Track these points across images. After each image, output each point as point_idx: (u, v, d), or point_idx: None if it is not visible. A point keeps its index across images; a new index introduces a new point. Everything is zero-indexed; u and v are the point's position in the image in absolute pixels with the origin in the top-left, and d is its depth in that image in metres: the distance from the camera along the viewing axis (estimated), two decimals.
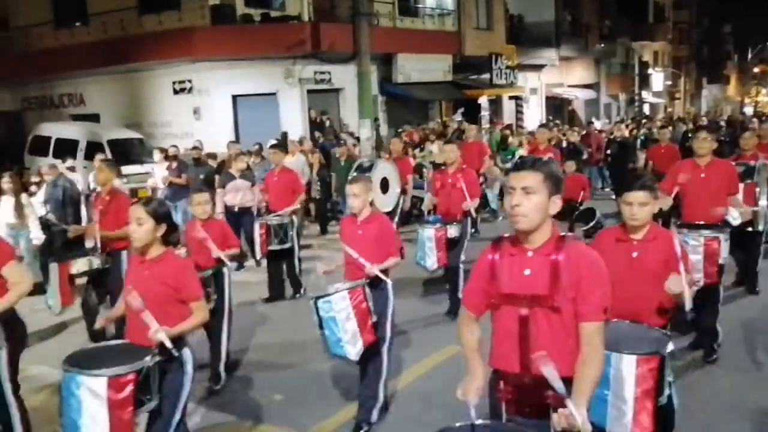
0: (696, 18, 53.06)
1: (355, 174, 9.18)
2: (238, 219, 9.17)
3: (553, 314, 2.54)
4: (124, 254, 6.17)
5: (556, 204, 2.56)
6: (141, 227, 3.45)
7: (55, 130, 16.49)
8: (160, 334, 3.28)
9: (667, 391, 3.27)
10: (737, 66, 64.87)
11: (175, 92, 17.56)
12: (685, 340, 5.68)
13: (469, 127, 12.55)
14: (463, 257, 7.01)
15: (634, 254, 3.68)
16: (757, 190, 6.48)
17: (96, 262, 6.16)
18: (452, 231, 6.87)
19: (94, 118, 18.87)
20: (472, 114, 22.25)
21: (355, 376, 5.04)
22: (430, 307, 7.45)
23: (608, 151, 14.28)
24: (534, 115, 28.28)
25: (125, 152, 14.63)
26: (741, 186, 6.12)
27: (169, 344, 3.32)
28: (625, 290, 3.41)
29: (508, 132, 18.96)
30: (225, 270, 5.53)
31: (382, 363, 4.71)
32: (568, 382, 2.43)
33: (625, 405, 3.10)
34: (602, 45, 34.17)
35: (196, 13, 16.64)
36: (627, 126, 20.59)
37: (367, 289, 4.52)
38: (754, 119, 22.58)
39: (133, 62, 17.24)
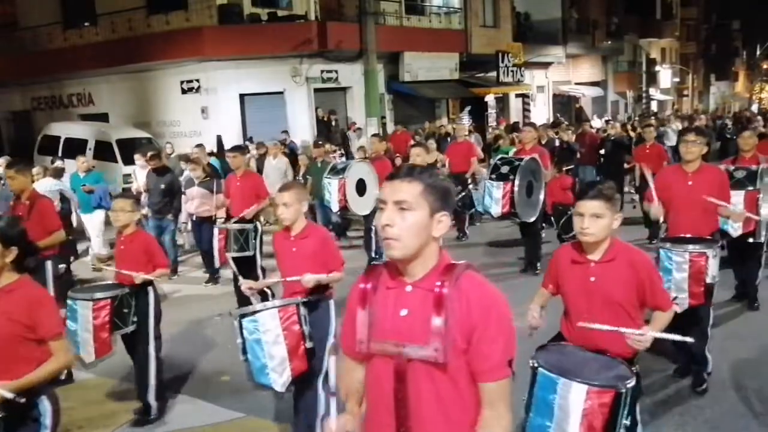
0: (704, 14, 52.78)
1: (327, 176, 8.74)
2: (199, 229, 8.74)
3: (437, 371, 1.91)
4: (48, 264, 5.58)
5: (443, 223, 1.95)
6: None
7: (64, 129, 16.62)
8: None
9: None
10: (745, 62, 64.52)
11: (183, 91, 17.66)
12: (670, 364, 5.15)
13: (458, 127, 12.13)
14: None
15: (592, 279, 3.11)
16: (760, 197, 5.87)
17: None
18: None
19: (103, 117, 19.01)
20: (479, 112, 22.30)
21: None
22: None
23: (602, 151, 13.63)
24: (541, 113, 28.22)
25: (134, 152, 14.71)
26: (741, 193, 5.62)
27: (9, 396, 2.69)
28: (584, 320, 3.06)
29: (499, 131, 18.67)
30: (150, 290, 4.79)
31: (316, 401, 4.03)
32: None
33: None
34: (609, 42, 34.05)
35: (204, 12, 16.73)
36: (624, 124, 20.11)
37: (303, 309, 3.91)
38: (759, 117, 21.88)
39: (142, 62, 17.34)
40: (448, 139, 15.57)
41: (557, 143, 13.95)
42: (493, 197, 7.62)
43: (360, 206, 8.65)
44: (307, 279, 3.93)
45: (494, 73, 23.40)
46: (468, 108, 21.24)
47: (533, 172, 7.84)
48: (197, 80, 17.34)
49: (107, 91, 19.29)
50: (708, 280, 4.59)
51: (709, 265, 4.55)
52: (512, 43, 25.11)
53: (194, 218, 8.92)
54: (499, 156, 8.59)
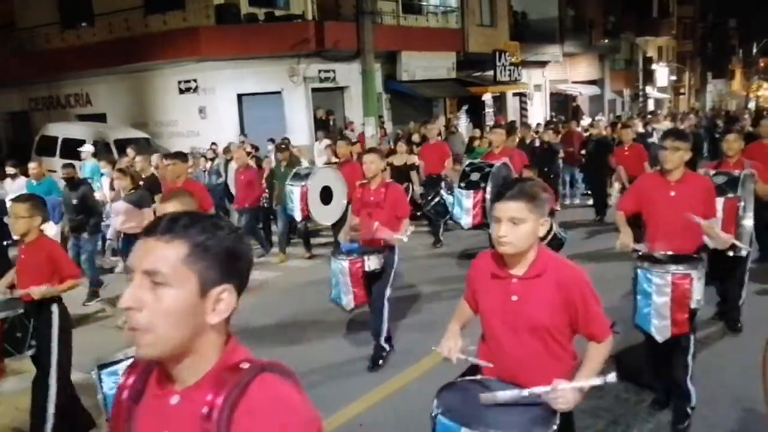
0: (700, 13, 52.87)
1: (289, 182, 8.18)
2: (127, 248, 7.61)
3: None
4: None
5: (224, 302, 1.34)
6: None
7: (61, 130, 16.61)
8: None
9: None
10: (742, 61, 64.63)
11: (181, 91, 17.66)
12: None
13: (430, 128, 11.51)
14: (389, 292, 5.63)
15: (514, 298, 2.57)
16: (740, 205, 5.29)
17: None
18: (371, 262, 5.41)
19: (101, 117, 19.00)
20: (477, 111, 22.34)
21: (355, 375, 5.08)
22: (356, 350, 6.05)
23: (583, 151, 13.15)
24: (538, 111, 28.27)
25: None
26: (720, 201, 4.96)
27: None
28: (503, 350, 2.61)
29: (476, 132, 17.98)
30: (54, 308, 4.20)
31: None
32: None
33: None
34: (606, 41, 34.11)
35: (201, 12, 16.73)
36: (614, 123, 19.45)
37: None
38: (746, 116, 20.62)
39: (139, 62, 17.34)
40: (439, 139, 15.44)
41: (537, 143, 13.55)
42: (464, 207, 7.10)
43: (324, 215, 8.13)
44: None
45: (491, 72, 23.44)
46: (465, 107, 21.27)
47: (505, 179, 7.20)
48: (195, 80, 17.34)
49: (105, 91, 19.28)
50: (692, 305, 4.04)
51: (694, 289, 4.00)
52: (509, 42, 25.15)
53: (122, 235, 7.85)
54: (468, 162, 7.95)
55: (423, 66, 20.75)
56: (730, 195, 5.25)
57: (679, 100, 47.25)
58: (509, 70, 24.06)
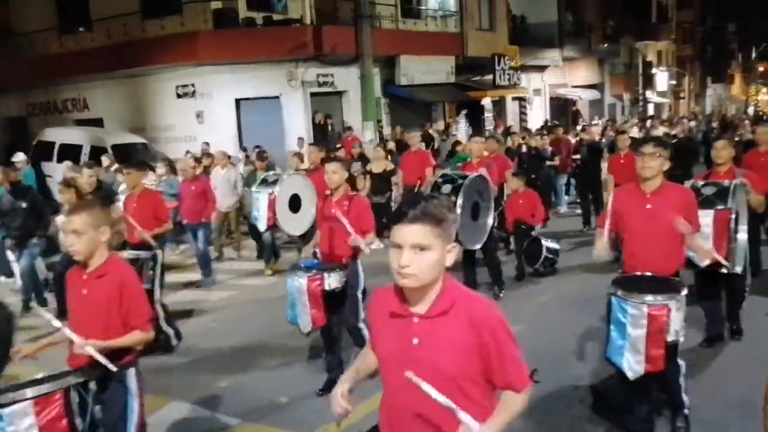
0: (699, 17, 52.94)
1: (256, 189, 7.81)
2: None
3: None
4: None
5: None
6: None
7: (59, 135, 16.56)
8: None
9: None
10: (741, 65, 64.71)
11: (179, 96, 17.61)
12: None
13: (411, 135, 10.93)
14: (363, 314, 5.18)
15: (415, 341, 2.15)
16: (732, 217, 4.86)
17: None
18: (331, 280, 4.95)
19: (98, 122, 18.96)
20: (476, 115, 22.28)
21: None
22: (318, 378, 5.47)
23: (575, 157, 12.39)
24: (538, 116, 28.24)
25: (129, 157, 14.66)
26: (710, 213, 4.72)
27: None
28: (404, 408, 2.20)
29: (454, 136, 17.71)
30: None
31: None
32: None
33: None
34: (606, 45, 34.12)
35: (199, 17, 16.69)
36: (605, 128, 18.23)
37: (76, 394, 2.97)
38: (746, 122, 19.55)
39: (137, 67, 17.28)
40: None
41: (524, 149, 12.83)
42: None
43: (293, 225, 7.56)
44: (86, 345, 3.08)
45: (491, 77, 23.41)
46: (465, 111, 21.22)
47: (480, 192, 6.80)
48: (192, 85, 17.29)
49: (102, 96, 19.24)
50: (670, 339, 3.70)
51: (672, 320, 3.67)
52: (508, 46, 25.13)
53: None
54: (442, 172, 7.36)
55: (422, 70, 20.70)
56: (720, 207, 4.86)
57: (679, 104, 47.26)
58: (508, 74, 24.03)
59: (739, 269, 5.12)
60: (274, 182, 7.72)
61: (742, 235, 5.18)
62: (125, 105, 18.65)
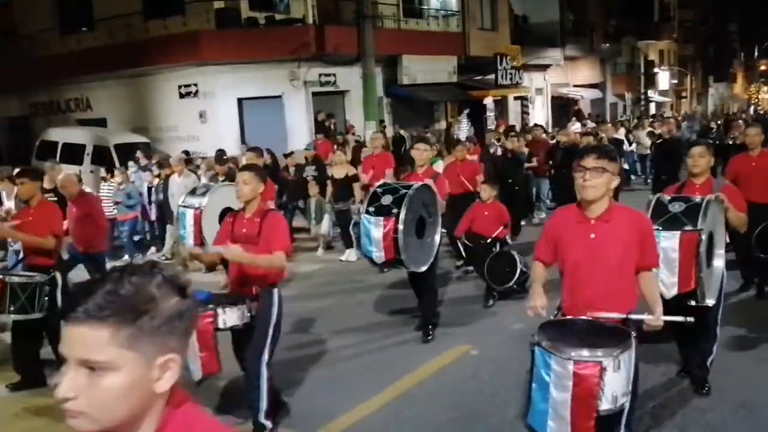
0: (701, 16, 52.90)
1: (182, 203, 6.85)
2: None
3: None
4: None
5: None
6: None
7: (62, 135, 16.62)
8: None
9: None
10: (743, 64, 64.65)
11: (181, 96, 17.63)
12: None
13: (373, 137, 10.15)
14: (267, 356, 4.36)
15: None
16: (703, 240, 4.04)
17: None
18: (227, 317, 4.15)
19: (101, 122, 18.99)
20: (478, 115, 22.30)
21: (365, 374, 4.99)
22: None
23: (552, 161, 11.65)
24: (539, 115, 28.26)
25: (132, 157, 14.71)
26: (676, 235, 4.03)
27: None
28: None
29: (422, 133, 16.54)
30: None
31: None
32: None
33: None
34: (607, 44, 34.13)
35: (201, 17, 16.71)
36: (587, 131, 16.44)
37: None
38: (740, 122, 18.01)
39: (139, 67, 17.31)
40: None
41: (499, 152, 11.73)
42: (372, 238, 5.66)
43: None
44: None
45: (492, 76, 23.43)
46: (467, 111, 21.23)
47: (426, 204, 5.95)
48: (195, 85, 17.31)
49: (105, 96, 19.27)
50: (603, 407, 2.88)
51: (607, 383, 2.85)
52: (510, 45, 25.14)
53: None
54: (381, 182, 6.44)
55: (424, 70, 20.71)
56: (688, 228, 4.05)
57: (680, 103, 47.22)
58: (510, 73, 24.04)
59: (710, 302, 4.26)
60: (204, 194, 6.75)
61: (719, 262, 4.40)
62: (128, 105, 18.68)
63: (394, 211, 5.55)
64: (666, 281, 4.04)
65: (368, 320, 6.94)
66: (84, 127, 18.19)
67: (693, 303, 4.10)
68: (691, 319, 3.40)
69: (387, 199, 5.69)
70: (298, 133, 17.04)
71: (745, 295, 6.87)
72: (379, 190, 5.93)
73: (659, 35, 42.41)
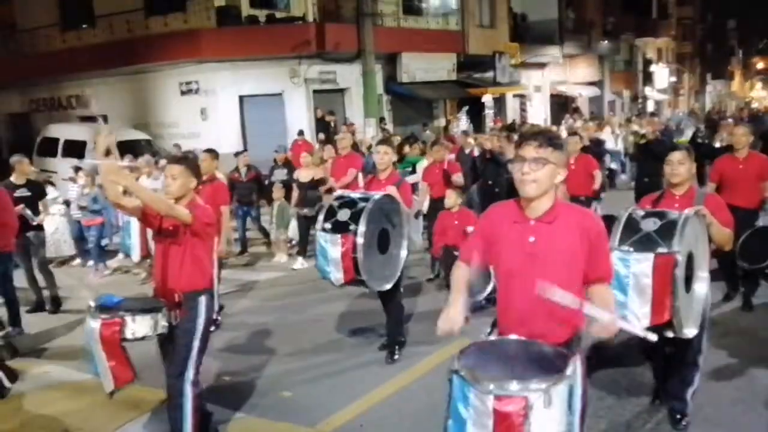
0: (699, 14, 52.96)
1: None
2: None
3: None
4: None
5: None
6: None
7: (63, 131, 16.64)
8: None
9: None
10: (741, 62, 64.72)
11: (182, 93, 17.70)
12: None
13: (341, 138, 9.80)
14: (191, 374, 3.96)
15: None
16: (678, 261, 3.45)
17: None
18: (137, 327, 3.73)
19: (102, 119, 18.98)
20: (477, 112, 22.39)
21: (366, 368, 5.03)
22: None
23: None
24: (538, 113, 28.35)
25: (133, 153, 14.77)
26: (650, 258, 3.46)
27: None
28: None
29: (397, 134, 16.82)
30: None
31: None
32: None
33: None
34: (606, 42, 34.18)
35: (202, 14, 16.77)
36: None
37: None
38: (730, 120, 16.55)
39: (140, 63, 17.38)
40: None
41: (477, 153, 10.84)
42: (329, 258, 5.01)
43: None
44: None
45: (491, 74, 23.49)
46: (466, 108, 21.32)
47: (388, 216, 5.29)
48: (196, 82, 17.38)
49: (106, 92, 19.29)
50: None
51: (532, 422, 2.29)
52: (509, 43, 25.23)
53: None
54: (338, 194, 5.61)
55: (423, 67, 20.81)
56: (662, 250, 3.46)
57: (678, 101, 47.30)
58: (509, 71, 24.11)
59: (690, 332, 3.65)
60: None
61: (701, 286, 3.80)
62: (129, 102, 18.71)
63: (352, 227, 4.90)
64: (637, 311, 3.48)
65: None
66: (85, 124, 18.23)
67: (670, 335, 3.54)
68: (653, 336, 2.67)
69: (344, 214, 5.03)
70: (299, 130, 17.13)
71: (729, 307, 6.39)
72: (335, 203, 5.24)
73: (657, 33, 42.44)
